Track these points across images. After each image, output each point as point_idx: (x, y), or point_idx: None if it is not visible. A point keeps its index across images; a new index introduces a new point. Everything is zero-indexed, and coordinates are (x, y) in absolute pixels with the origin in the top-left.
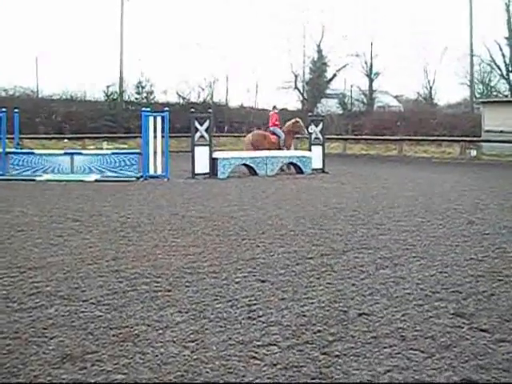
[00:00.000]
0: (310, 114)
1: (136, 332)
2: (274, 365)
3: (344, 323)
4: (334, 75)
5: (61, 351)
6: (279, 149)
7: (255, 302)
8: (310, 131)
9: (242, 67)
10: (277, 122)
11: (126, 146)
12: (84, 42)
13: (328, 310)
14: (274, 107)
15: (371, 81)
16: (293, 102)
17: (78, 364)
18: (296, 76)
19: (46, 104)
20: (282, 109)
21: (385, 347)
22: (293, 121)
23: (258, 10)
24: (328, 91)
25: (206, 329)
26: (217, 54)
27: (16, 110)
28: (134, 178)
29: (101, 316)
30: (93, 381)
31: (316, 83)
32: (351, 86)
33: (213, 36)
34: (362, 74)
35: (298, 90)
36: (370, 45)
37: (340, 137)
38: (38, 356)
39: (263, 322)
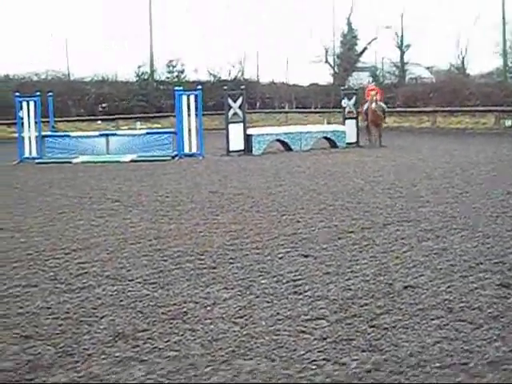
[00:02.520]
0: (342, 87)
1: (184, 309)
2: (324, 338)
3: (390, 296)
4: (365, 48)
5: (112, 330)
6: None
7: (300, 276)
8: (344, 105)
9: (273, 42)
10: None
11: (158, 126)
12: (114, 23)
13: (373, 284)
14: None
15: (402, 53)
16: (324, 76)
17: (130, 342)
18: (326, 50)
19: (78, 86)
20: (312, 84)
21: (432, 319)
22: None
23: None
24: (359, 64)
25: (254, 304)
26: (247, 29)
27: (50, 94)
28: (169, 157)
29: (148, 294)
30: (146, 358)
31: (347, 56)
32: (382, 59)
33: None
34: (393, 46)
35: (329, 64)
36: (400, 16)
37: None
38: (90, 335)
39: (309, 297)
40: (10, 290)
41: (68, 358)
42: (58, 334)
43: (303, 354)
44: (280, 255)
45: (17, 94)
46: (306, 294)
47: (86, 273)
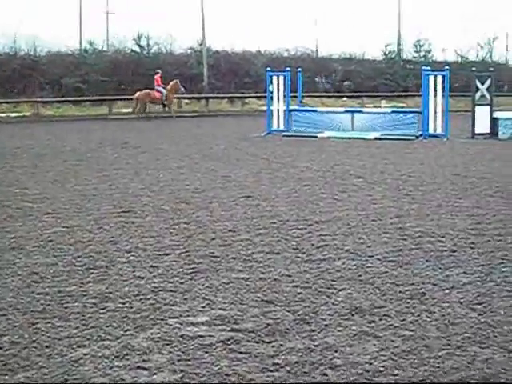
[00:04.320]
0: None
1: (422, 290)
2: None
3: None
4: None
5: (349, 303)
6: (162, 104)
7: None
8: None
9: None
10: (159, 83)
11: (403, 105)
12: (362, 2)
13: None
14: (157, 72)
15: None
16: None
17: (366, 317)
18: None
19: (325, 63)
20: None
21: None
22: (172, 82)
23: None
24: None
25: (493, 292)
26: (496, 9)
27: (299, 70)
28: (414, 137)
29: (387, 272)
30: (381, 334)
31: None
32: None
33: None
34: None
35: None
36: None
37: None
38: (327, 306)
39: None
40: (254, 256)
41: (305, 326)
42: (296, 301)
43: None
44: None
45: (268, 68)
46: None
47: (326, 245)
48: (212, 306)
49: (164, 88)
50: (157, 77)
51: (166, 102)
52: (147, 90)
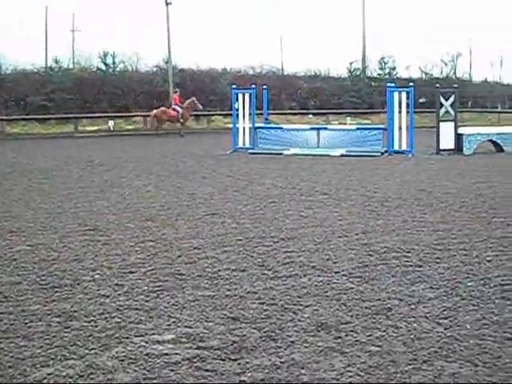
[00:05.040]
0: None
1: (388, 305)
2: None
3: None
4: None
5: (315, 319)
6: (179, 121)
7: (508, 281)
8: None
9: (486, 40)
10: (177, 102)
11: (369, 122)
12: (327, 20)
13: None
14: (176, 91)
15: None
16: None
17: (332, 333)
18: None
19: (290, 81)
20: None
21: None
22: (189, 101)
23: None
24: None
25: (459, 306)
26: (460, 27)
27: (264, 87)
28: (379, 153)
29: (353, 288)
30: (347, 350)
31: None
32: None
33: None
34: None
35: None
36: None
37: None
38: (293, 323)
39: None
40: (219, 273)
41: (271, 343)
42: (263, 318)
43: (509, 363)
44: (488, 258)
45: (233, 86)
46: None
47: (292, 262)
48: (178, 324)
49: (181, 106)
50: (175, 96)
51: (181, 120)
52: (163, 108)
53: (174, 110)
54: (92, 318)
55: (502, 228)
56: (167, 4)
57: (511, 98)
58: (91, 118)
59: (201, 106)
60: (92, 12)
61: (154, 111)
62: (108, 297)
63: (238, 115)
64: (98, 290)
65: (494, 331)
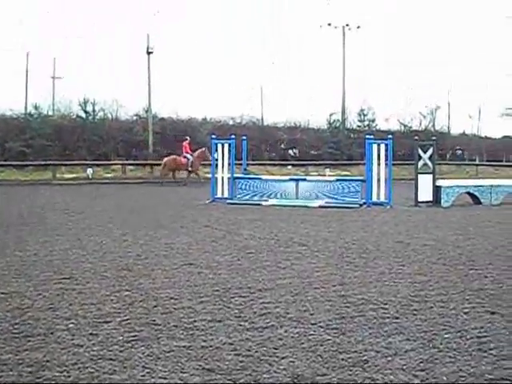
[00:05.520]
0: None
1: (365, 357)
2: None
3: None
4: None
5: (291, 371)
6: (188, 170)
7: (485, 334)
8: None
9: (465, 93)
10: (187, 150)
11: (348, 173)
12: (307, 72)
13: None
14: (186, 139)
15: None
16: None
17: None
18: None
19: (270, 131)
20: (505, 136)
21: None
22: (200, 150)
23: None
24: None
25: (436, 358)
26: (438, 80)
27: (244, 138)
28: (357, 205)
29: (329, 339)
30: None
31: None
32: None
33: (434, 62)
34: None
35: None
36: None
37: None
38: (269, 374)
39: (494, 356)
40: (195, 324)
41: None
42: (238, 369)
43: None
44: (465, 310)
45: (213, 136)
46: (491, 352)
47: (269, 313)
48: (152, 375)
49: (191, 155)
50: (185, 143)
51: (190, 169)
52: (174, 156)
53: (184, 157)
54: (65, 368)
55: (479, 280)
56: (149, 53)
57: (489, 150)
58: (70, 165)
59: (210, 157)
60: (73, 58)
61: (165, 159)
62: (82, 346)
63: (217, 165)
64: (72, 340)
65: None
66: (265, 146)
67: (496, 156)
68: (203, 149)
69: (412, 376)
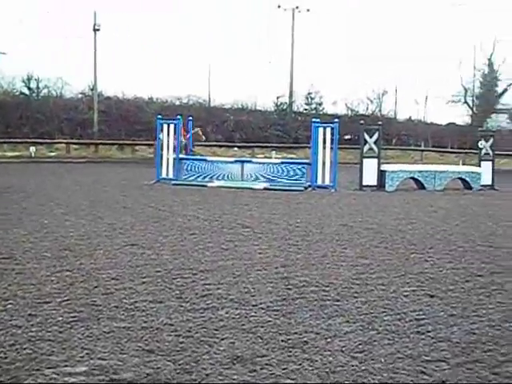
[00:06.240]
0: (480, 129)
1: (305, 339)
2: (443, 381)
3: None
4: (505, 90)
5: (231, 352)
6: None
7: (424, 316)
8: (480, 146)
9: (412, 79)
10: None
11: (294, 156)
12: (255, 54)
13: (498, 330)
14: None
15: None
16: (462, 116)
17: (248, 366)
18: (466, 90)
19: (217, 112)
20: (450, 123)
21: None
22: (194, 131)
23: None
24: (498, 106)
25: (375, 340)
26: (386, 65)
27: (190, 118)
28: (302, 188)
29: (270, 321)
30: (262, 383)
31: (486, 98)
32: None
33: (382, 47)
34: None
35: (468, 105)
36: None
37: (510, 153)
38: (209, 355)
39: (432, 338)
40: (136, 304)
41: (186, 376)
42: (178, 350)
43: None
44: (405, 293)
45: (159, 116)
46: (429, 334)
47: (210, 294)
48: (91, 356)
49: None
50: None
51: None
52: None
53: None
54: (2, 350)
55: (419, 264)
56: (95, 30)
57: (434, 136)
58: (12, 143)
59: (204, 138)
60: (17, 34)
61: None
62: (20, 327)
63: (162, 145)
64: (10, 321)
65: (408, 365)
66: (211, 127)
67: (441, 142)
68: (197, 129)
69: (350, 358)
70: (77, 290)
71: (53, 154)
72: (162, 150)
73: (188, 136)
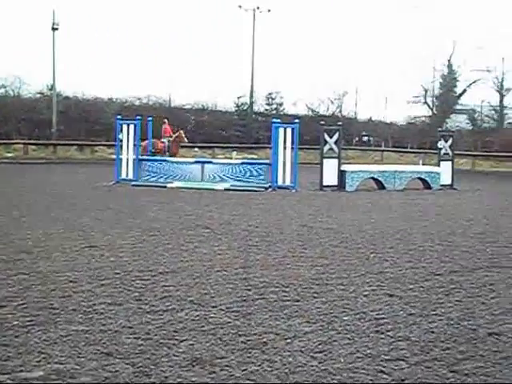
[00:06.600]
0: (439, 129)
1: (264, 340)
2: (402, 380)
3: (473, 342)
4: (464, 90)
5: (191, 354)
6: (164, 154)
7: (383, 316)
8: (440, 146)
9: (372, 80)
10: (167, 133)
11: (254, 156)
12: (216, 54)
13: (457, 328)
14: (164, 122)
15: (502, 97)
16: (422, 116)
17: (207, 368)
18: (426, 90)
19: (177, 113)
20: (411, 123)
21: None
22: (177, 133)
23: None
24: (458, 107)
25: (334, 340)
26: (347, 65)
27: (150, 118)
28: (263, 188)
29: (229, 322)
30: None
31: (446, 98)
32: (481, 102)
33: (343, 48)
34: (493, 89)
35: (428, 105)
36: (501, 60)
37: (469, 153)
38: (168, 358)
39: (391, 337)
40: (95, 307)
41: (144, 378)
42: (137, 353)
43: None
44: (365, 293)
45: (118, 116)
46: (388, 333)
47: (170, 296)
48: (48, 360)
49: (169, 139)
50: (165, 126)
51: (167, 154)
52: (154, 140)
53: (162, 142)
54: None
55: (379, 263)
56: (54, 29)
57: (394, 137)
58: None
59: (186, 140)
60: None
61: (144, 142)
62: None
63: (121, 146)
64: None
65: (367, 364)
66: (172, 127)
67: (401, 142)
68: (179, 132)
69: (310, 358)
70: (33, 294)
71: (10, 154)
72: (121, 150)
73: (147, 142)
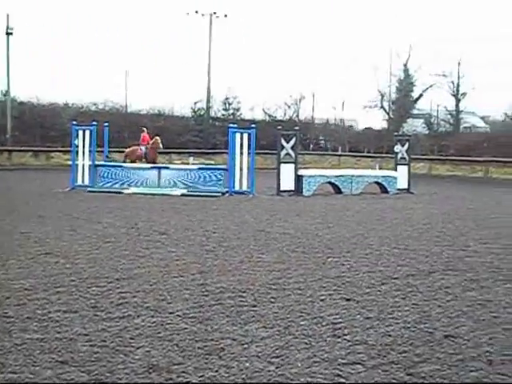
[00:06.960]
0: (395, 133)
1: (221, 345)
2: None
3: (430, 344)
4: (421, 95)
5: (147, 361)
6: (142, 160)
7: (340, 320)
8: (396, 151)
9: (328, 84)
10: (145, 141)
11: (212, 162)
12: (172, 59)
13: (413, 331)
14: (143, 130)
15: (458, 101)
16: (378, 121)
17: (163, 375)
18: (382, 95)
19: (134, 118)
20: (367, 128)
21: (471, 370)
22: (153, 140)
23: (346, 26)
24: (414, 111)
25: (291, 345)
26: (303, 70)
27: (106, 124)
28: (220, 194)
29: (186, 328)
30: None
31: (402, 103)
32: (437, 106)
33: (299, 53)
34: (449, 94)
35: (384, 110)
36: (457, 65)
37: (425, 157)
38: (124, 365)
39: (348, 341)
40: (50, 315)
41: None
42: (93, 361)
43: None
44: (322, 297)
45: (74, 122)
46: (345, 337)
47: (126, 303)
48: (2, 370)
49: (146, 146)
50: (143, 134)
51: (144, 160)
52: (135, 147)
53: (140, 149)
54: None
55: (336, 268)
56: (8, 34)
57: (351, 141)
58: None
59: (162, 146)
60: None
61: (126, 150)
62: None
63: (77, 152)
64: None
65: (325, 368)
66: (128, 133)
67: (358, 147)
68: (155, 138)
69: (267, 363)
70: None
71: None
72: (77, 156)
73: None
